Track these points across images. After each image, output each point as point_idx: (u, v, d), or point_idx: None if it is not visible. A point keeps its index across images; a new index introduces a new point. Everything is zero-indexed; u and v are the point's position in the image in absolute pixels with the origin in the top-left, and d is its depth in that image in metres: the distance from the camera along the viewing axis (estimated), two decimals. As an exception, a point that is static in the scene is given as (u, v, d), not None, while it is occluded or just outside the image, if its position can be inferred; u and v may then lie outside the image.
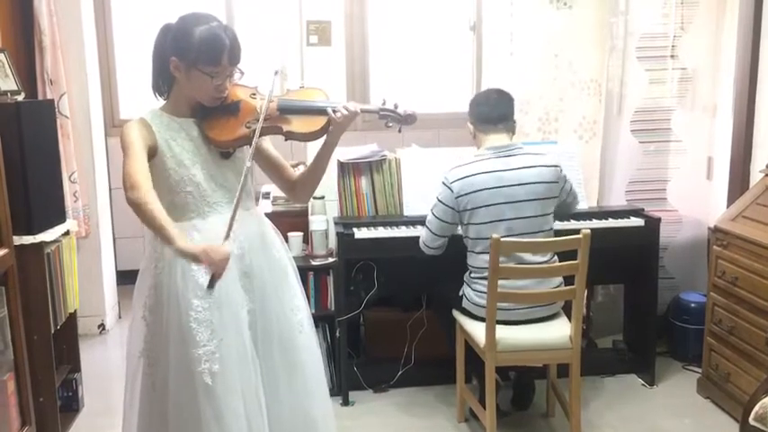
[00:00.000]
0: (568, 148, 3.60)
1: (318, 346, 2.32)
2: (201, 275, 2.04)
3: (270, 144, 2.26)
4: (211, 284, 1.93)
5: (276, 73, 2.11)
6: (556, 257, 2.92)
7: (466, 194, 2.86)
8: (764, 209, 3.09)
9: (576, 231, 2.78)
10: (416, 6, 5.26)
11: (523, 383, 3.25)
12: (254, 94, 2.14)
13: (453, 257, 3.03)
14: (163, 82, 2.10)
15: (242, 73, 2.09)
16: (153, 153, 2.03)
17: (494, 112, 2.97)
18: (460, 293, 2.99)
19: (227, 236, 1.94)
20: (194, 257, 1.89)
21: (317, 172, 2.24)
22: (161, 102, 2.13)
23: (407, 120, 2.23)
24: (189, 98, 2.09)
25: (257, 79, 2.19)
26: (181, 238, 1.90)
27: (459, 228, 2.96)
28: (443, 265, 3.11)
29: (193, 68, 2.01)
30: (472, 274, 2.94)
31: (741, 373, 3.08)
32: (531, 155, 2.95)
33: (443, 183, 2.93)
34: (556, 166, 2.95)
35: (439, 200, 2.94)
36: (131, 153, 1.97)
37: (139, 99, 4.71)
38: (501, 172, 2.87)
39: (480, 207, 2.85)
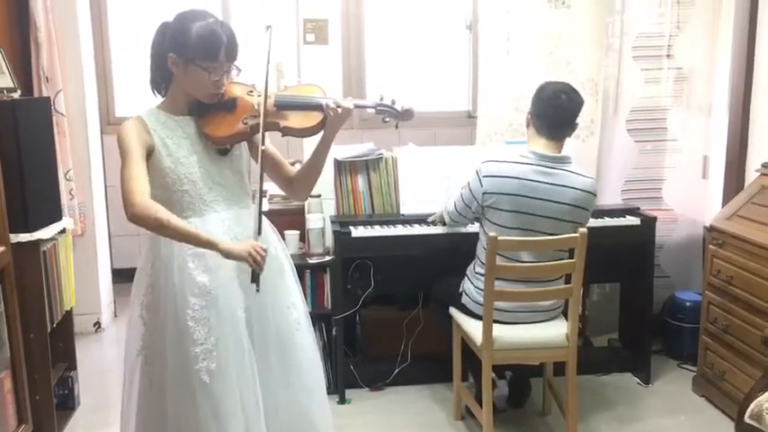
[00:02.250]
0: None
1: (316, 344, 2.32)
2: (199, 274, 2.05)
3: (268, 141, 2.26)
4: (255, 280, 1.98)
5: (268, 29, 2.09)
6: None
7: (494, 193, 2.80)
8: (760, 208, 3.10)
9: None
10: (413, 5, 5.26)
11: (519, 382, 3.26)
12: (252, 91, 2.14)
13: (451, 256, 3.03)
14: (161, 79, 2.10)
15: (239, 70, 2.09)
16: (150, 152, 2.03)
17: (554, 116, 2.79)
18: (460, 289, 2.99)
19: (259, 231, 2.01)
20: (240, 258, 1.95)
21: (314, 168, 2.23)
22: (158, 99, 2.13)
23: (404, 115, 2.23)
24: (186, 95, 2.08)
25: (254, 77, 2.19)
26: (221, 241, 1.98)
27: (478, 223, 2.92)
28: (440, 264, 3.12)
29: (191, 64, 2.00)
30: (476, 268, 2.93)
31: (736, 371, 3.10)
32: (573, 174, 2.81)
33: (477, 171, 2.85)
34: (594, 194, 2.85)
35: (469, 186, 2.89)
36: (129, 161, 1.97)
37: (135, 97, 4.76)
38: (537, 183, 2.77)
39: (504, 210, 2.79)
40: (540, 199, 2.77)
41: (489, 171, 2.82)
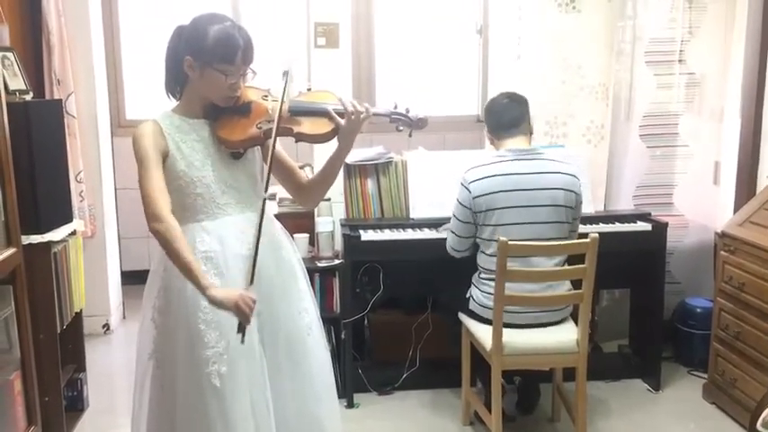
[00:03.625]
0: (573, 151, 3.59)
1: (327, 350, 2.31)
2: (211, 277, 2.03)
3: (280, 146, 2.25)
4: (240, 330, 1.94)
5: (285, 74, 2.09)
6: (566, 265, 2.89)
7: (483, 195, 2.83)
8: (772, 214, 3.09)
9: (584, 235, 2.78)
10: (423, 9, 5.26)
11: (529, 387, 3.25)
12: (266, 96, 2.14)
13: (460, 260, 3.02)
14: (176, 83, 2.09)
15: (254, 73, 2.09)
16: (165, 156, 2.03)
17: (504, 117, 2.95)
18: (467, 295, 2.99)
19: (251, 281, 1.96)
20: (225, 308, 1.91)
21: (328, 176, 2.22)
22: (173, 103, 2.13)
23: (418, 124, 2.22)
24: (201, 98, 2.08)
25: (265, 80, 2.19)
26: (211, 286, 1.92)
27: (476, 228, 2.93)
28: (450, 268, 3.10)
29: (208, 67, 2.00)
30: (481, 275, 2.93)
31: (748, 378, 3.08)
32: (551, 161, 2.91)
33: (461, 183, 2.90)
34: (576, 176, 2.91)
35: (458, 201, 2.92)
36: (147, 167, 1.97)
37: (146, 99, 4.78)
38: (520, 175, 2.84)
39: (496, 209, 2.83)
40: (531, 189, 2.82)
41: (473, 176, 2.87)
